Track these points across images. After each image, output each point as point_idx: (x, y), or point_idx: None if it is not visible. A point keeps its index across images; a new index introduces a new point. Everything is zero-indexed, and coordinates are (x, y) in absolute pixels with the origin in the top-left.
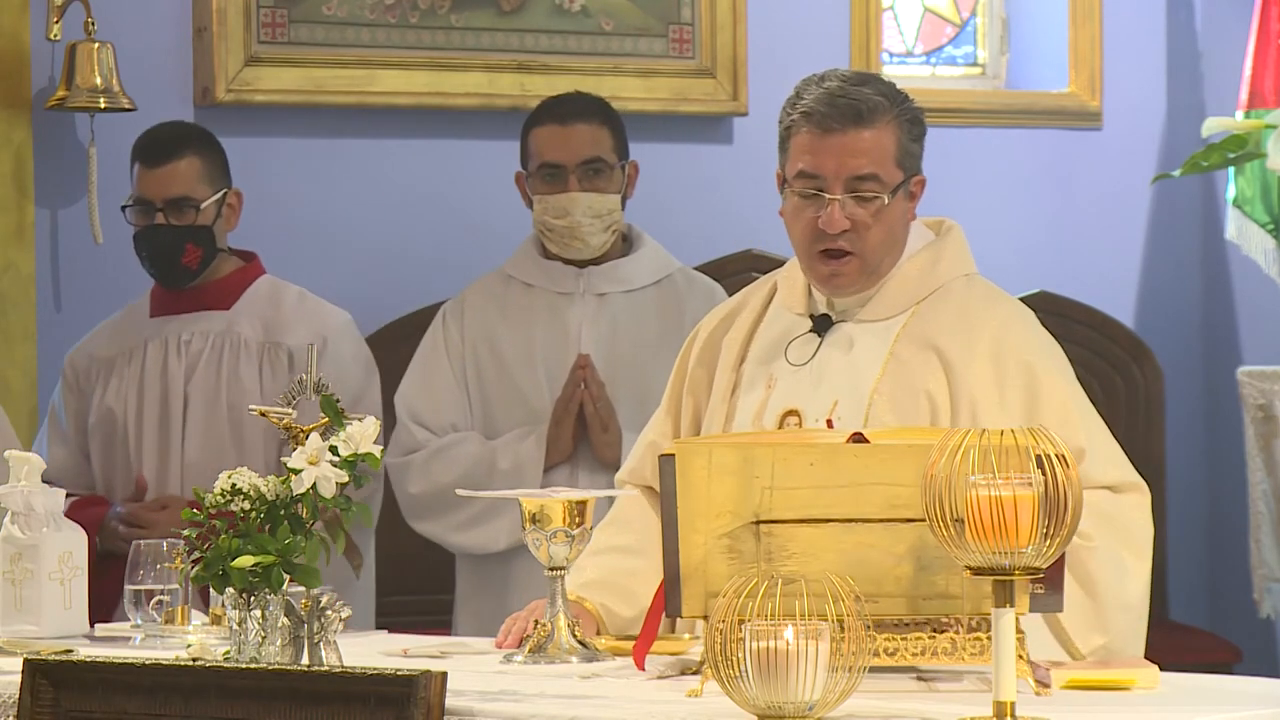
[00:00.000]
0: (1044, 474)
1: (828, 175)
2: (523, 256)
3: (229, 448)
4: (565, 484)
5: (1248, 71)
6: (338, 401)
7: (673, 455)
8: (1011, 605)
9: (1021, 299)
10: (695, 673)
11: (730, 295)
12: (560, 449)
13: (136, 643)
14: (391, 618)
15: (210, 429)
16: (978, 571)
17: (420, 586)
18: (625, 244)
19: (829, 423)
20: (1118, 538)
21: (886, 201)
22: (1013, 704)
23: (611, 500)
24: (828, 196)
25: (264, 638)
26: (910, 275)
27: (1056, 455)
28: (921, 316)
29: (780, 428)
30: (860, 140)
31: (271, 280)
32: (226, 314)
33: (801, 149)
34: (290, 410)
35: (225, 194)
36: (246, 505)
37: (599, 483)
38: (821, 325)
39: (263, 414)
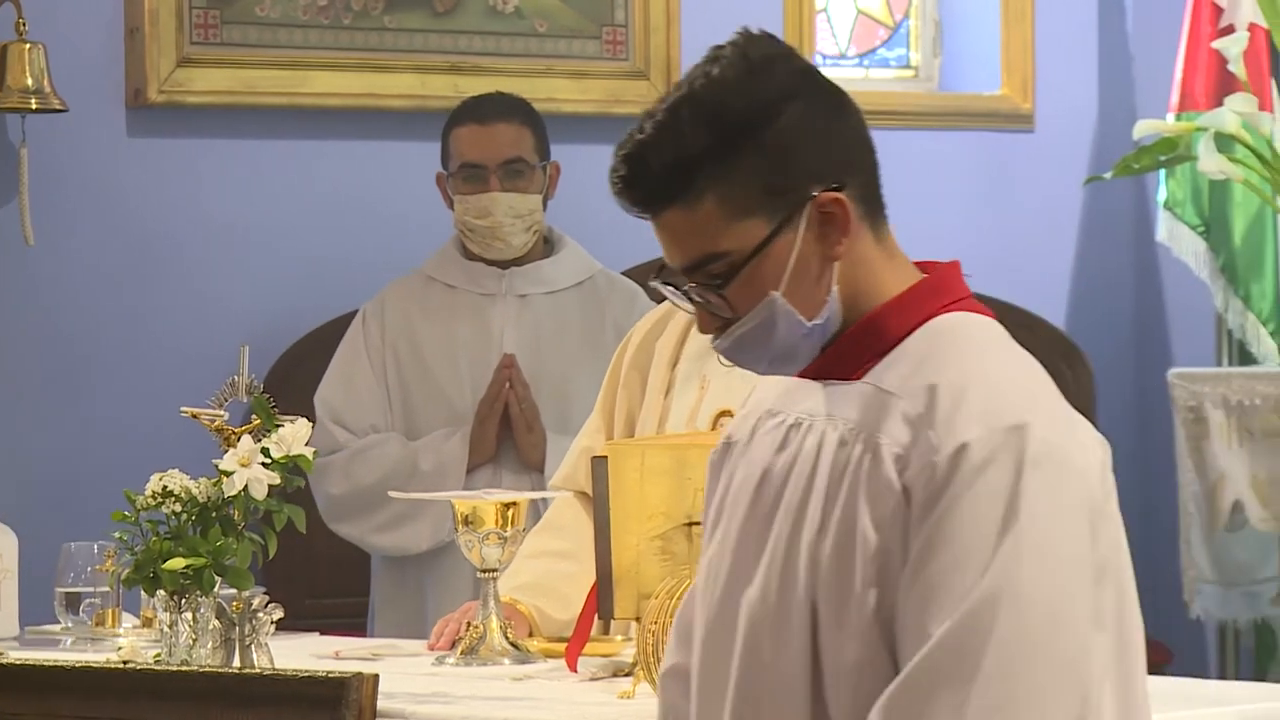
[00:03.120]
0: None
1: None
2: (443, 258)
3: None
4: (488, 484)
5: (1179, 75)
6: (270, 402)
7: (605, 457)
8: None
9: None
10: (627, 674)
11: (647, 294)
12: (484, 449)
13: (67, 645)
14: (325, 620)
15: None
16: None
17: (354, 589)
18: (546, 246)
19: None
20: None
21: None
22: None
23: (545, 502)
24: None
25: (195, 640)
26: None
27: None
28: None
29: (714, 428)
30: None
31: None
32: None
33: None
34: (222, 412)
35: None
36: (177, 507)
37: (523, 484)
38: None
39: (194, 416)
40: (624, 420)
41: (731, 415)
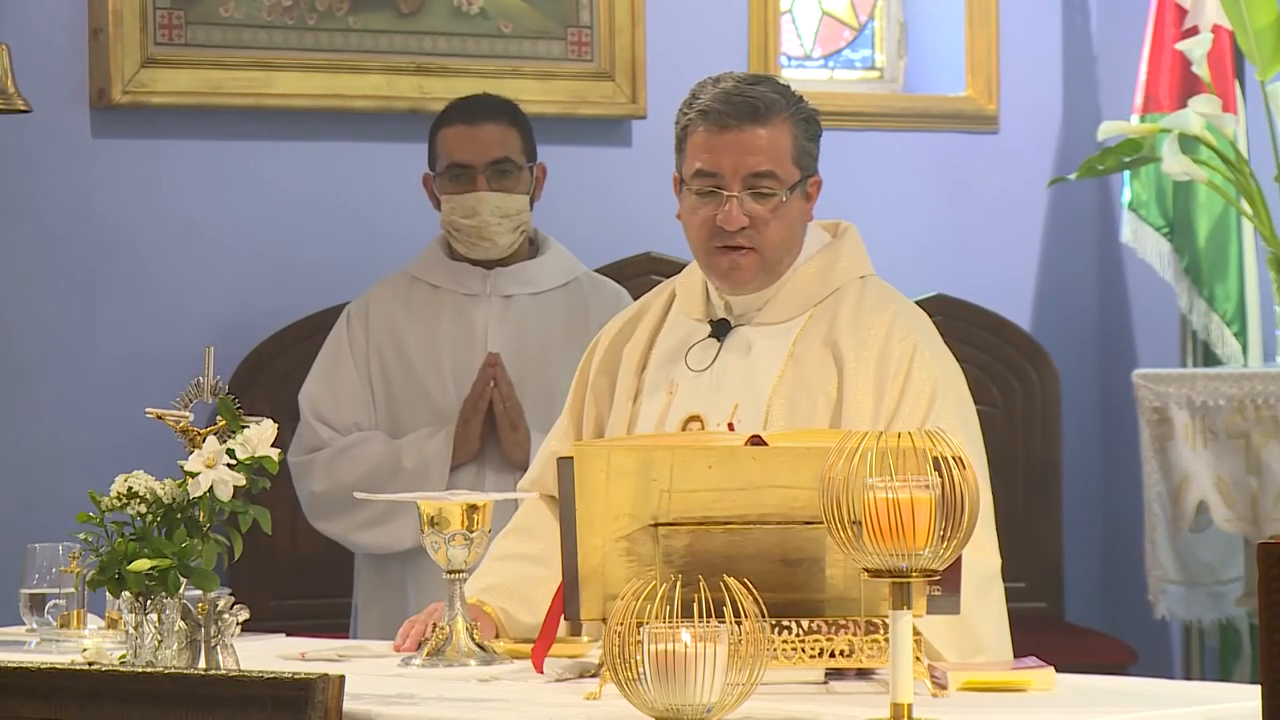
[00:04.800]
0: (941, 476)
1: (725, 172)
2: (429, 258)
3: None
4: (472, 483)
5: (1143, 76)
6: (236, 403)
7: (571, 458)
8: (909, 607)
9: (918, 302)
10: (594, 675)
11: (631, 298)
12: (468, 448)
13: (31, 646)
14: (291, 621)
15: None
16: (875, 574)
17: (320, 590)
18: (532, 247)
19: (730, 426)
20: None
21: (784, 199)
22: (910, 706)
23: (514, 504)
24: (726, 194)
25: (160, 641)
26: (807, 278)
27: (954, 458)
28: (819, 319)
29: (683, 432)
30: (757, 137)
31: None
32: None
33: (699, 147)
34: (187, 413)
35: None
36: (142, 509)
37: (506, 482)
38: (720, 330)
39: (159, 417)
40: (592, 424)
41: (700, 420)
